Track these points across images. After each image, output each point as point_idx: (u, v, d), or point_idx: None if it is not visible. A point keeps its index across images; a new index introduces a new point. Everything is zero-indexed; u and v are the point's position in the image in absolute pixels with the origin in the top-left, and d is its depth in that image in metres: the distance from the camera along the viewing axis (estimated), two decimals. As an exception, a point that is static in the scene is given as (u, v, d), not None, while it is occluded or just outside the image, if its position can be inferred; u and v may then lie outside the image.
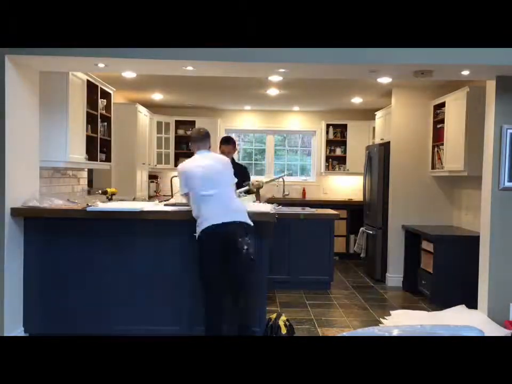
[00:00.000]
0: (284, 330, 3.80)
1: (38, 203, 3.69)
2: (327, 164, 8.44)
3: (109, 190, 4.75)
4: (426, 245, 5.20)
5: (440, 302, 4.87)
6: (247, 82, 6.08)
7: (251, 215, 3.64)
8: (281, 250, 5.55)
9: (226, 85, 6.26)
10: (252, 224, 3.58)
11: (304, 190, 8.68)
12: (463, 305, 4.40)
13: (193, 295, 3.81)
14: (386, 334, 2.06)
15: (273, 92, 6.71)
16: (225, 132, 8.76)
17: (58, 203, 3.81)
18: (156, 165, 7.90)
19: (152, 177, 7.97)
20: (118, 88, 6.02)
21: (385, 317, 4.41)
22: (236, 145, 5.09)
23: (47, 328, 3.76)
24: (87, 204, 3.87)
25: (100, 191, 4.84)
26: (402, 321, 4.05)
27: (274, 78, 4.66)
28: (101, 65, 3.72)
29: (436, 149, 5.70)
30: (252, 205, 4.21)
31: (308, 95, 7.10)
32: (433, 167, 5.77)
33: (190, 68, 3.74)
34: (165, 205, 4.17)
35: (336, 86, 6.30)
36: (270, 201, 6.32)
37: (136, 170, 6.68)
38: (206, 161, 3.62)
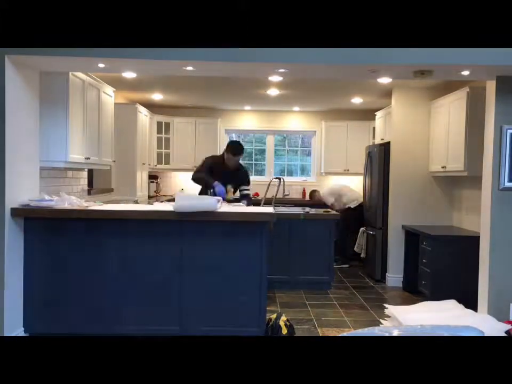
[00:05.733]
0: (284, 331, 3.80)
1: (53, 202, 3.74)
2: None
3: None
4: (426, 245, 5.20)
5: (440, 302, 4.86)
6: (247, 82, 6.08)
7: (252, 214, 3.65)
8: (281, 250, 5.55)
9: (226, 85, 6.26)
10: None
11: (304, 190, 8.68)
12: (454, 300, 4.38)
13: (194, 295, 3.81)
14: (387, 334, 2.06)
15: (273, 92, 6.71)
16: (225, 132, 8.77)
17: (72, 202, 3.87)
18: (156, 165, 7.90)
19: (152, 177, 7.97)
20: (118, 88, 6.02)
21: (385, 318, 4.41)
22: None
23: (47, 328, 3.75)
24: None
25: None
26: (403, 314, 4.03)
27: (274, 78, 4.66)
28: (101, 65, 3.72)
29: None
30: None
31: (308, 95, 7.10)
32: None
33: (190, 68, 3.74)
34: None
35: (336, 86, 6.30)
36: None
37: (136, 170, 6.68)
38: None
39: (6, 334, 3.54)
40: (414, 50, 3.38)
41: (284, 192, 5.79)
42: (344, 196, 7.44)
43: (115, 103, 5.59)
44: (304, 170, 9.06)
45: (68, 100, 4.22)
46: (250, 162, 9.06)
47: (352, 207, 7.28)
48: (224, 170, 5.22)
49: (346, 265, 7.26)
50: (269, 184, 5.98)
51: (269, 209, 4.15)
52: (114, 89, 5.50)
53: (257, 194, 8.39)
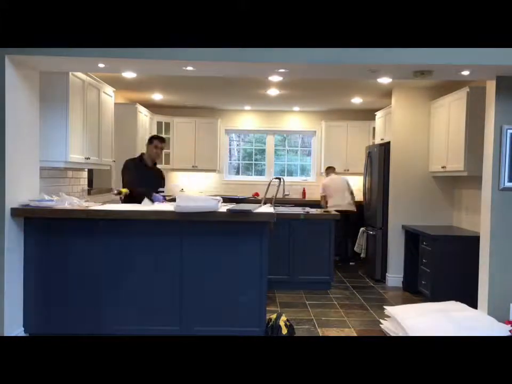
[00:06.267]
0: (284, 331, 3.80)
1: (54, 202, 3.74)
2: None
3: (122, 190, 4.66)
4: (426, 245, 5.20)
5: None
6: (247, 82, 6.08)
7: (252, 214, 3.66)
8: (281, 250, 5.55)
9: (226, 85, 6.26)
10: None
11: (304, 190, 8.68)
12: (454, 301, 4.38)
13: (194, 295, 3.81)
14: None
15: (273, 92, 6.71)
16: (225, 132, 8.76)
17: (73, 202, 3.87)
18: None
19: (152, 177, 7.95)
20: (118, 88, 6.02)
21: (385, 318, 4.41)
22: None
23: (47, 328, 3.76)
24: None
25: (115, 191, 4.72)
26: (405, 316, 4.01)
27: (274, 78, 4.66)
28: (101, 65, 3.72)
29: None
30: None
31: (307, 95, 7.10)
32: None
33: (190, 68, 3.74)
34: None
35: (336, 86, 6.30)
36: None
37: (136, 170, 6.66)
38: None
39: (6, 334, 3.54)
40: (414, 50, 3.38)
41: (284, 192, 5.79)
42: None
43: (115, 103, 5.59)
44: (304, 170, 9.06)
45: (68, 100, 4.22)
46: (250, 162, 9.06)
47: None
48: (144, 173, 5.05)
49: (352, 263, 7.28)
50: (269, 184, 5.98)
51: (269, 209, 4.14)
52: (114, 89, 5.50)
53: (257, 194, 8.40)
